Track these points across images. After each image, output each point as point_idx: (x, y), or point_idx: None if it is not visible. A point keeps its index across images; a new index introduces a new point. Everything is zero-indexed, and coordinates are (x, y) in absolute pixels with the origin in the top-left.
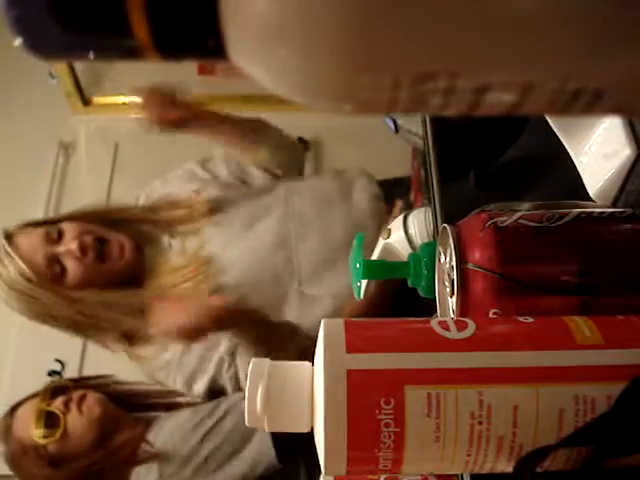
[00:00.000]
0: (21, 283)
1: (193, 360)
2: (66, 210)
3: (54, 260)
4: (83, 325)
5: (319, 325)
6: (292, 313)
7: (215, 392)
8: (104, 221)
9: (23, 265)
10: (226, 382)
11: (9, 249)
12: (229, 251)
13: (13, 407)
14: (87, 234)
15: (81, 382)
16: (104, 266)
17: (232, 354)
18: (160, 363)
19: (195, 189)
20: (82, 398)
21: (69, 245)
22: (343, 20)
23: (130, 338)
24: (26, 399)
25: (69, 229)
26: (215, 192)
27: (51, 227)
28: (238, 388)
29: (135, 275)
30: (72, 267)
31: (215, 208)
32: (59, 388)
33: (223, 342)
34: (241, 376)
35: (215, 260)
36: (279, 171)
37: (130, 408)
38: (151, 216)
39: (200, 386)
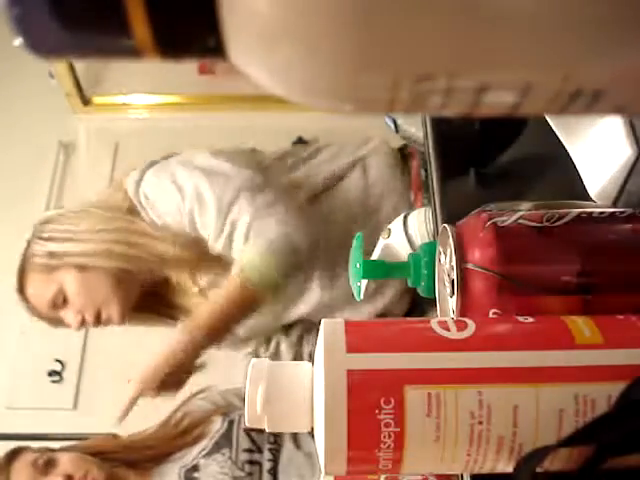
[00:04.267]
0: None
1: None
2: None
3: (58, 321)
4: None
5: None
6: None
7: None
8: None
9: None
10: None
11: (24, 303)
12: None
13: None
14: (87, 312)
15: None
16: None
17: (267, 340)
18: None
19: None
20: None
21: (72, 322)
22: (343, 20)
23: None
24: (15, 455)
25: (71, 306)
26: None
27: (52, 282)
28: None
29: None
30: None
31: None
32: (48, 462)
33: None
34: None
35: None
36: None
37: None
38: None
39: None
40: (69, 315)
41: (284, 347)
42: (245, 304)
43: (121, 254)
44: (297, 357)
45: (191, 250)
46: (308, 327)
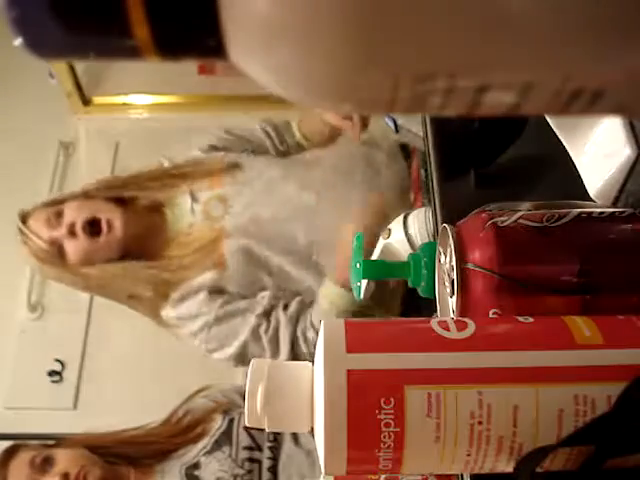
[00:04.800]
0: (36, 263)
1: (224, 330)
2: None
3: (54, 243)
4: (112, 296)
5: None
6: (308, 281)
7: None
8: (109, 196)
9: (34, 248)
10: (264, 342)
11: (25, 230)
12: (251, 214)
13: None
14: (80, 216)
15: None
16: (99, 241)
17: (267, 314)
18: (190, 331)
19: (221, 154)
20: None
21: (61, 230)
22: (343, 20)
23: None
24: (12, 454)
25: (67, 212)
26: (236, 155)
27: (54, 208)
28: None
29: (150, 242)
30: (69, 247)
31: (234, 164)
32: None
33: (259, 306)
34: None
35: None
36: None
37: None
38: (168, 173)
39: (230, 350)
40: (62, 227)
41: (283, 324)
42: None
43: (124, 181)
44: (294, 334)
45: (187, 166)
46: (305, 304)
